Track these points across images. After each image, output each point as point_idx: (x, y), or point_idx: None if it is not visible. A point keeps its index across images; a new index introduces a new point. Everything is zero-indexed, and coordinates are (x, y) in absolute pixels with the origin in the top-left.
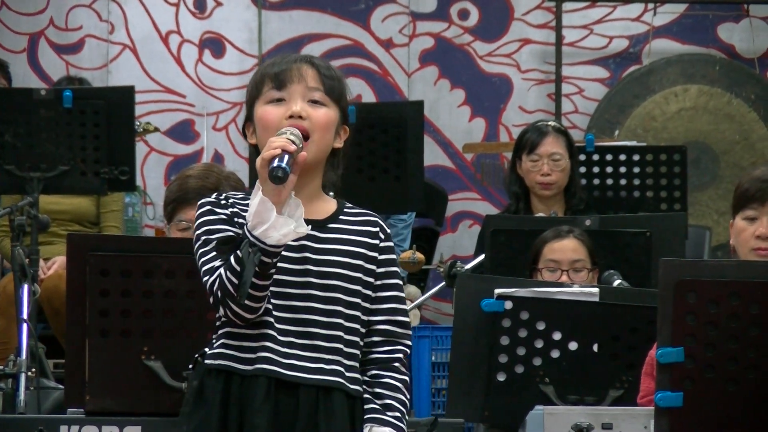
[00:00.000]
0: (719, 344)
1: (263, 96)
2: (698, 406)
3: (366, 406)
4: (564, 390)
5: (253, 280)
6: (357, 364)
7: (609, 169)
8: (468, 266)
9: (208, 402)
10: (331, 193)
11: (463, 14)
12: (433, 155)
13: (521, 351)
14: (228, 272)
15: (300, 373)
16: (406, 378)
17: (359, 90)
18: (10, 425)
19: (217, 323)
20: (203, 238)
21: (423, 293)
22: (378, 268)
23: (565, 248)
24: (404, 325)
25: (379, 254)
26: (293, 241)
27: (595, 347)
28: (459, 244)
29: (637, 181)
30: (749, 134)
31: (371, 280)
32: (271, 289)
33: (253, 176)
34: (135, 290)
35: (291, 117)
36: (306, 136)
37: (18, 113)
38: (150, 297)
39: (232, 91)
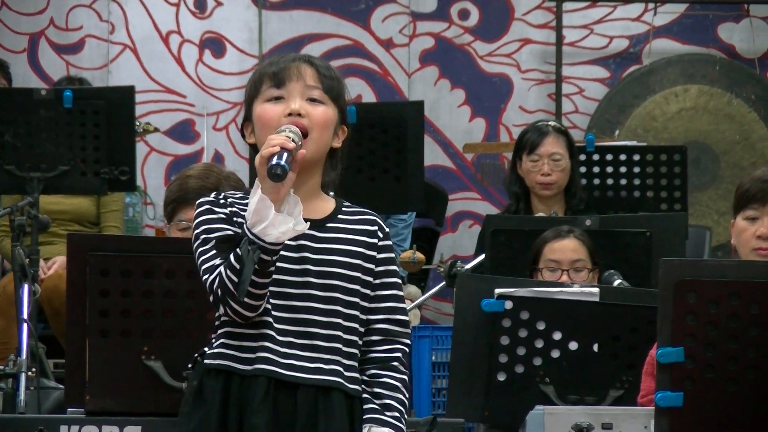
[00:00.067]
0: (719, 344)
1: (262, 94)
2: (698, 406)
3: (365, 406)
4: (564, 390)
5: (253, 278)
6: (356, 364)
7: (609, 169)
8: (468, 266)
9: (208, 402)
10: (332, 193)
11: (464, 14)
12: (433, 155)
13: (521, 351)
14: (228, 270)
15: (299, 373)
16: (405, 377)
17: (359, 90)
18: (10, 425)
19: (216, 323)
20: (203, 237)
21: (423, 293)
22: (377, 267)
23: (566, 248)
24: (403, 323)
25: (378, 253)
26: (292, 241)
27: (596, 347)
28: (459, 244)
29: (637, 181)
30: (749, 134)
31: (370, 279)
32: (270, 289)
33: (253, 176)
34: (135, 290)
35: (290, 115)
36: (305, 134)
37: (18, 113)
38: (150, 297)
39: (233, 91)
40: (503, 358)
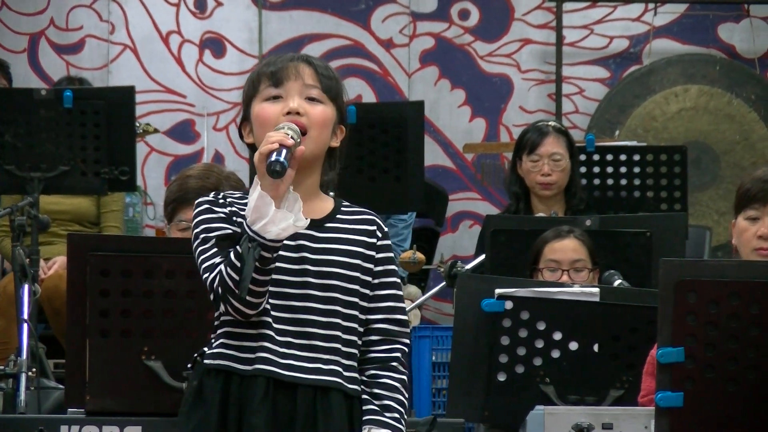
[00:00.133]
0: (719, 344)
1: (260, 94)
2: (698, 406)
3: (364, 407)
4: (564, 390)
5: (254, 275)
6: (355, 364)
7: (609, 169)
8: (468, 266)
9: (207, 402)
10: (332, 193)
11: (464, 14)
12: (433, 155)
13: (521, 351)
14: (228, 268)
15: (298, 373)
16: (405, 377)
17: (359, 90)
18: (10, 425)
19: (216, 323)
20: (202, 236)
21: (423, 293)
22: (376, 266)
23: (566, 248)
24: (402, 323)
25: (377, 253)
26: (291, 241)
27: (596, 347)
28: (459, 244)
29: (637, 181)
30: (749, 134)
31: (369, 278)
32: (270, 289)
33: (254, 176)
34: (135, 290)
35: (288, 113)
36: (303, 133)
37: (18, 113)
38: (150, 297)
39: (233, 91)
40: (503, 358)
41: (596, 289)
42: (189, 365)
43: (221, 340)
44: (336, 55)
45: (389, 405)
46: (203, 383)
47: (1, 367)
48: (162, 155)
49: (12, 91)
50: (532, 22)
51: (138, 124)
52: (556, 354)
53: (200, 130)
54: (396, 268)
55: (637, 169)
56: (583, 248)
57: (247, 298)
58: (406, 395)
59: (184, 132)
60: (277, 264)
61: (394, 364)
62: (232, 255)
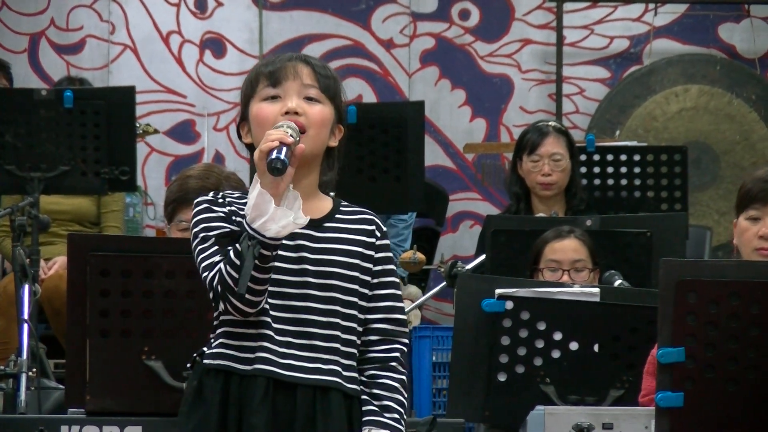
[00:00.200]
0: (720, 344)
1: (258, 94)
2: (699, 406)
3: (364, 408)
4: (565, 390)
5: (253, 273)
6: (354, 364)
7: (610, 170)
8: (469, 266)
9: (207, 402)
10: (332, 193)
11: (464, 14)
12: (433, 155)
13: (522, 351)
14: (228, 266)
15: (297, 373)
16: (404, 377)
17: (360, 90)
18: (10, 425)
19: (215, 322)
20: (201, 235)
21: (424, 293)
22: (375, 266)
23: (566, 248)
24: (401, 323)
25: (376, 252)
26: (290, 240)
27: (596, 347)
28: (460, 244)
29: (637, 182)
30: (750, 134)
31: (368, 278)
32: (269, 288)
33: (254, 176)
34: (135, 290)
35: (287, 113)
36: (302, 132)
37: (18, 113)
38: (150, 297)
39: (233, 92)
40: (504, 359)
41: (596, 289)
42: (188, 365)
43: (221, 340)
44: (336, 56)
45: (389, 405)
46: (203, 383)
47: (2, 367)
48: (162, 155)
49: (12, 91)
50: (533, 22)
51: (138, 125)
52: (556, 354)
53: (200, 131)
54: (395, 268)
55: (637, 169)
56: (584, 248)
57: (247, 296)
58: (406, 395)
59: (184, 132)
60: (277, 264)
61: (394, 364)
62: (231, 253)
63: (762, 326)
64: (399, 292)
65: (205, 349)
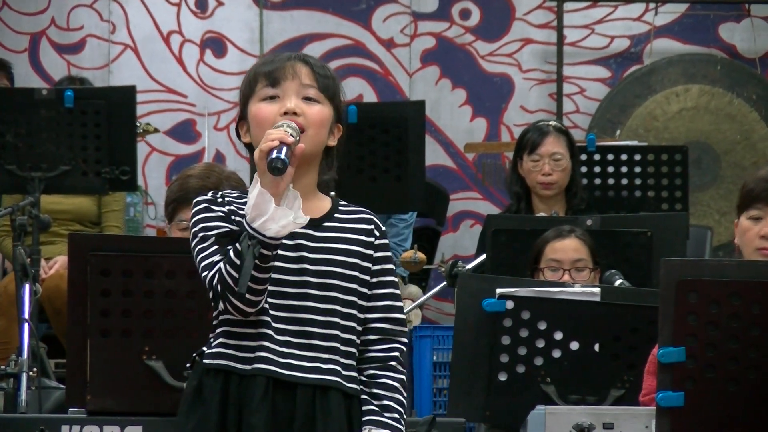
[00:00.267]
0: (720, 344)
1: (257, 94)
2: (699, 406)
3: (364, 408)
4: (565, 390)
5: (253, 273)
6: (354, 363)
7: (610, 169)
8: (469, 266)
9: (207, 401)
10: (333, 193)
11: (465, 14)
12: (434, 155)
13: (522, 351)
14: (228, 266)
15: (297, 372)
16: (404, 377)
17: (360, 90)
18: (11, 425)
19: (215, 322)
20: (201, 234)
21: (424, 293)
22: (374, 265)
23: (567, 248)
24: (400, 322)
25: (375, 252)
26: (289, 240)
27: (597, 347)
28: (460, 243)
29: (638, 181)
30: (750, 134)
31: (367, 277)
32: (269, 288)
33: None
34: (136, 290)
35: (285, 114)
36: (301, 132)
37: (19, 113)
38: (151, 297)
39: (234, 91)
40: (504, 358)
41: (597, 289)
42: (188, 365)
43: (220, 340)
44: (337, 55)
45: (388, 405)
46: (202, 383)
47: (2, 367)
48: (163, 155)
49: (13, 91)
50: (533, 21)
51: (138, 124)
52: (557, 354)
53: (201, 130)
54: (394, 267)
55: (638, 169)
56: (585, 248)
57: (247, 296)
58: (405, 395)
59: (185, 132)
60: (276, 263)
61: (393, 363)
62: (231, 253)
63: (763, 326)
64: (398, 292)
65: (204, 348)
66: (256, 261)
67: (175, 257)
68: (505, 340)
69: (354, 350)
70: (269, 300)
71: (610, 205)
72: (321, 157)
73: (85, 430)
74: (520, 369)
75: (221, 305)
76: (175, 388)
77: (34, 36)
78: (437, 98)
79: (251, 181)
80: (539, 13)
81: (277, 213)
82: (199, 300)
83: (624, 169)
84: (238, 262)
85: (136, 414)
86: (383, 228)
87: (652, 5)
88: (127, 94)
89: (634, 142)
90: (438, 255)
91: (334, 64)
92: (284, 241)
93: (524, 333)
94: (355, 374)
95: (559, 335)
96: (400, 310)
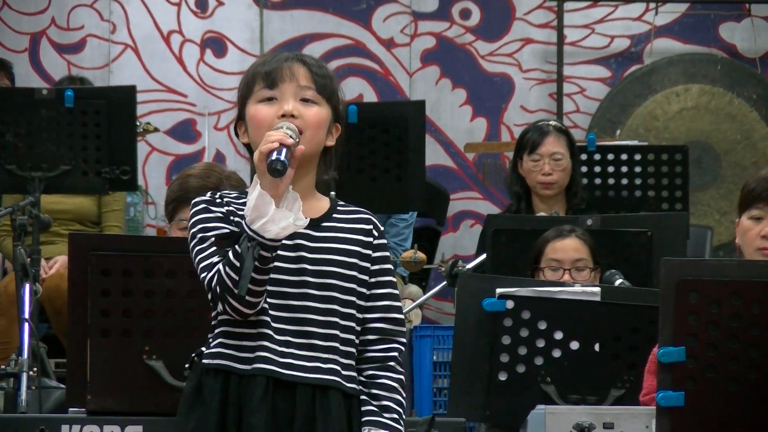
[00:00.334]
0: (721, 344)
1: (255, 95)
2: (700, 405)
3: (363, 408)
4: (565, 389)
5: (253, 274)
6: (353, 363)
7: (610, 169)
8: (469, 266)
9: (206, 401)
10: (333, 193)
11: (465, 14)
12: (434, 155)
13: (522, 350)
14: (227, 267)
15: (297, 372)
16: (403, 376)
17: (360, 89)
18: (11, 425)
19: (213, 322)
20: (199, 235)
21: (424, 293)
22: (372, 265)
23: (567, 248)
24: (399, 322)
25: (374, 252)
26: (289, 240)
27: (597, 347)
28: (460, 243)
29: (638, 181)
30: (751, 134)
31: (366, 277)
32: (268, 288)
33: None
34: (136, 290)
35: (283, 116)
36: (299, 134)
37: (19, 113)
38: (151, 296)
39: (234, 91)
40: (504, 358)
41: (597, 289)
42: (187, 365)
43: (219, 340)
44: (337, 55)
45: (388, 405)
46: (202, 383)
47: (3, 367)
48: (163, 155)
49: (13, 91)
50: (533, 21)
51: (138, 123)
52: (557, 353)
53: (201, 130)
54: (392, 267)
55: (638, 169)
56: (585, 248)
57: (246, 297)
58: (404, 395)
59: (185, 131)
60: (276, 264)
61: (392, 363)
62: (230, 254)
63: (763, 326)
64: (396, 292)
65: (203, 349)
66: (256, 263)
67: (175, 257)
68: (506, 340)
69: (353, 350)
70: (269, 300)
71: (610, 205)
72: (319, 157)
73: (85, 430)
74: (521, 369)
75: (220, 306)
76: (176, 387)
77: (35, 36)
78: (437, 98)
79: (251, 181)
80: (539, 13)
81: (277, 215)
82: (199, 300)
83: (624, 169)
84: (237, 263)
85: (136, 414)
86: (381, 228)
87: (652, 5)
88: (128, 93)
89: (635, 142)
90: (438, 255)
91: (334, 64)
92: (284, 242)
93: (524, 333)
94: (354, 374)
95: (559, 335)
96: (398, 310)
